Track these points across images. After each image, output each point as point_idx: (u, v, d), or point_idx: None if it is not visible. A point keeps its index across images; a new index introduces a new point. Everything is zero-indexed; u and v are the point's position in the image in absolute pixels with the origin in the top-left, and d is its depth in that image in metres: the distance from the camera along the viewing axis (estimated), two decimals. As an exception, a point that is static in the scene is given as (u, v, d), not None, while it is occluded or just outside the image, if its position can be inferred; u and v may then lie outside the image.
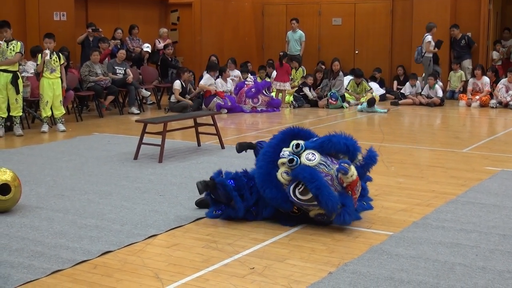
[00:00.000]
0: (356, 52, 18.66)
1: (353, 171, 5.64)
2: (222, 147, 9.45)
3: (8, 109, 10.91)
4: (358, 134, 11.69)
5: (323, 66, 17.03)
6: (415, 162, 8.64)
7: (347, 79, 15.71)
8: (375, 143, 10.01)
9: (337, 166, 5.64)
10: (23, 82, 11.29)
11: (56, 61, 11.31)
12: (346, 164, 5.63)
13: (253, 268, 4.78)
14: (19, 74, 11.00)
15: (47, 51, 11.19)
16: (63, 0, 14.71)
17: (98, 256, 5.03)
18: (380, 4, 18.30)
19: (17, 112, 10.97)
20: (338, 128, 12.16)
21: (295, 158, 5.66)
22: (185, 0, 18.19)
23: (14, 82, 10.75)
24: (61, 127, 11.43)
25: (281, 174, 5.71)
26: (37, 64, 11.50)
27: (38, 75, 11.52)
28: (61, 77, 11.44)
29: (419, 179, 7.66)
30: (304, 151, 5.73)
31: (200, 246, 5.28)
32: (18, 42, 10.88)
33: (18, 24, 13.84)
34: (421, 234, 5.50)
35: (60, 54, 11.55)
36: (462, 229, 5.64)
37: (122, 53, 14.19)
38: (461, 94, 15.85)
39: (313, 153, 5.71)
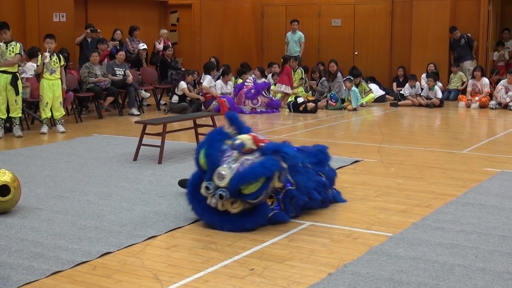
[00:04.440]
0: (356, 53, 18.67)
1: (246, 140, 5.78)
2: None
3: (8, 110, 10.90)
4: (357, 135, 11.72)
5: (321, 67, 17.03)
6: (414, 163, 8.64)
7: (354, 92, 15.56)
8: (375, 144, 10.03)
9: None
10: (22, 83, 11.29)
11: (56, 62, 11.31)
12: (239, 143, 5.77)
13: (253, 269, 4.78)
14: (18, 75, 11.00)
15: (47, 53, 11.18)
16: (62, 1, 14.71)
17: (98, 257, 5.03)
18: (380, 5, 18.31)
19: (16, 113, 10.97)
20: (338, 129, 12.19)
21: (209, 186, 5.68)
22: (184, 1, 18.19)
23: (13, 83, 10.75)
24: (60, 128, 11.43)
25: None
26: (37, 65, 11.50)
27: (38, 76, 11.53)
28: (61, 78, 11.44)
29: (418, 180, 7.66)
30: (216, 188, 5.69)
31: (200, 247, 5.28)
32: (18, 43, 10.88)
33: (18, 25, 13.84)
34: (421, 235, 5.50)
35: (60, 55, 11.54)
36: (461, 230, 5.64)
37: (121, 54, 14.19)
38: (460, 95, 15.86)
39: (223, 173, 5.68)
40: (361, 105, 15.15)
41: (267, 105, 14.31)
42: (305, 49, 17.75)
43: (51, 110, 11.35)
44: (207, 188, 5.69)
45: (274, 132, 11.36)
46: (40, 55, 11.39)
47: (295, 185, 5.99)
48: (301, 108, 14.21)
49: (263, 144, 5.83)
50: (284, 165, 5.74)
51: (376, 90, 16.12)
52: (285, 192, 5.92)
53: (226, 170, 5.64)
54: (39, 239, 5.43)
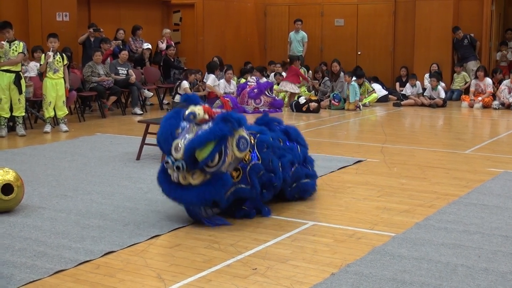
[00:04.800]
0: (359, 53, 18.66)
1: (196, 109, 5.81)
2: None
3: (11, 109, 10.92)
4: (360, 135, 11.72)
5: (324, 68, 17.02)
6: (417, 163, 8.64)
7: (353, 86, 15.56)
8: (378, 144, 10.03)
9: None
10: (26, 82, 11.31)
11: (60, 62, 11.32)
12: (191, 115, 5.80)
13: (256, 268, 4.78)
14: (21, 74, 11.02)
15: (50, 52, 11.19)
16: (65, 0, 14.72)
17: (101, 256, 5.03)
18: (382, 5, 18.30)
19: (19, 112, 10.98)
20: (341, 129, 12.19)
21: (168, 160, 5.74)
22: (187, 1, 18.20)
23: (17, 82, 10.76)
24: (63, 127, 11.44)
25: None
26: (40, 65, 11.51)
27: (41, 75, 11.54)
28: (64, 78, 11.45)
29: (421, 180, 7.66)
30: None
31: (203, 247, 5.28)
32: (21, 43, 10.90)
33: (21, 24, 13.85)
34: (424, 235, 5.50)
35: (63, 54, 11.56)
36: (464, 231, 5.64)
37: (124, 53, 14.20)
38: (463, 96, 15.84)
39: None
40: (364, 105, 15.14)
41: (270, 105, 14.31)
42: (308, 49, 17.75)
43: (54, 109, 11.37)
44: (166, 162, 5.74)
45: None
46: (43, 55, 11.41)
47: (262, 160, 6.02)
48: (304, 108, 14.21)
49: (215, 115, 5.88)
50: (243, 133, 5.81)
51: (379, 90, 16.12)
52: (251, 166, 5.94)
53: (181, 142, 5.72)
54: (42, 238, 5.44)
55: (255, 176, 5.94)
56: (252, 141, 6.02)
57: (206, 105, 6.00)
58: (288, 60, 15.94)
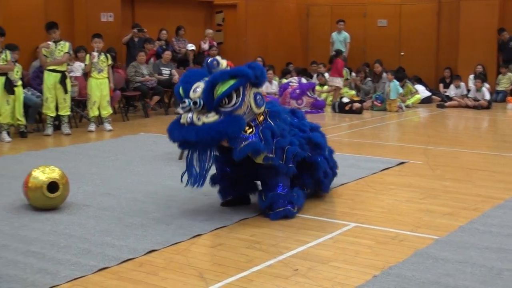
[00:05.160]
0: (402, 54, 18.48)
1: (220, 60, 5.99)
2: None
3: (57, 109, 11.10)
4: (403, 136, 11.63)
5: (366, 69, 16.92)
6: (461, 165, 8.53)
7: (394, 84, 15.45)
8: (420, 146, 9.93)
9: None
10: (71, 82, 11.48)
11: (104, 62, 11.48)
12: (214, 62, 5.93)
13: (297, 269, 4.78)
14: (67, 74, 11.19)
15: (95, 53, 11.35)
16: (110, 1, 14.91)
17: (144, 255, 5.08)
18: (426, 5, 18.10)
19: (65, 111, 11.16)
20: (383, 130, 12.10)
21: (186, 100, 5.81)
22: (230, 1, 18.26)
23: (62, 82, 10.94)
24: (108, 126, 11.59)
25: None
26: (85, 65, 11.68)
27: (86, 75, 11.71)
28: (108, 78, 11.60)
29: (465, 182, 7.56)
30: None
31: (244, 247, 5.30)
32: (66, 43, 11.07)
33: (66, 25, 14.05)
34: (468, 239, 5.43)
35: (107, 54, 11.71)
36: (510, 234, 5.54)
37: (168, 54, 14.32)
38: (509, 97, 15.59)
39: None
40: (407, 106, 15.03)
41: (311, 106, 14.29)
42: (351, 50, 17.65)
43: (98, 108, 11.53)
44: (183, 102, 5.81)
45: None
46: (88, 55, 11.57)
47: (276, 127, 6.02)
48: (347, 108, 14.15)
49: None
50: (260, 91, 5.97)
51: (422, 91, 15.98)
52: (264, 125, 5.94)
53: (201, 84, 5.80)
54: (86, 236, 5.52)
55: (269, 135, 5.90)
56: (266, 111, 6.08)
57: (229, 61, 6.13)
58: (334, 53, 15.82)
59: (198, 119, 5.74)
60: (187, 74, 6.12)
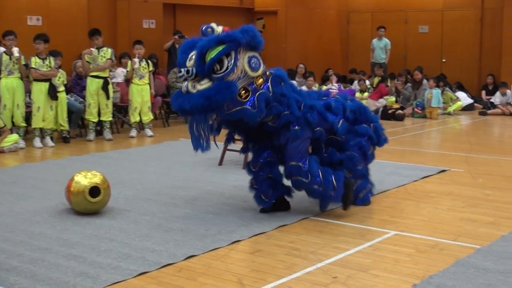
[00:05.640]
0: (443, 60, 18.30)
1: (214, 26, 5.89)
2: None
3: (99, 114, 11.25)
4: (444, 144, 11.50)
5: (409, 76, 16.78)
6: (503, 173, 8.41)
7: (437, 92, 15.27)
8: (462, 154, 9.82)
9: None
10: (113, 88, 11.63)
11: (145, 68, 11.60)
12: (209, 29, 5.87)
13: (336, 277, 4.76)
14: (109, 80, 11.34)
15: (136, 59, 11.48)
16: (152, 8, 15.08)
17: (183, 260, 5.11)
18: (469, 11, 17.90)
19: (107, 117, 11.30)
20: (424, 137, 11.99)
21: (182, 70, 5.81)
22: (270, 8, 18.31)
23: (104, 87, 11.09)
24: (148, 132, 11.70)
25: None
26: (127, 71, 11.83)
27: (128, 81, 11.85)
28: (149, 84, 11.72)
29: (507, 191, 7.45)
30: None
31: (283, 253, 5.30)
32: (109, 49, 11.22)
33: (109, 31, 14.27)
34: (510, 249, 5.34)
35: (148, 61, 11.83)
36: (553, 245, 5.45)
37: (208, 60, 14.38)
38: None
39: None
40: (449, 114, 14.87)
41: (351, 112, 14.21)
42: (391, 56, 17.53)
43: (139, 114, 11.65)
44: (179, 71, 5.82)
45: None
46: (130, 61, 11.71)
47: (272, 93, 5.95)
48: (390, 111, 14.10)
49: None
50: (257, 55, 5.89)
51: (464, 98, 15.79)
52: (262, 93, 5.87)
53: (194, 52, 5.79)
54: (126, 240, 5.57)
55: (263, 102, 5.85)
56: (268, 74, 6.02)
57: (226, 27, 6.04)
58: (380, 78, 15.76)
59: (193, 87, 5.74)
60: (185, 44, 6.06)
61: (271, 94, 5.93)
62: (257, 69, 5.88)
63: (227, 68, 5.69)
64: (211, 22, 5.98)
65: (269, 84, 5.96)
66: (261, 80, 5.91)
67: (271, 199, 6.42)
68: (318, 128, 6.22)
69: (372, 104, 14.81)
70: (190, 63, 5.80)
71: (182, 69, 5.79)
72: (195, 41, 5.96)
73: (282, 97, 6.01)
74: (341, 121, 6.40)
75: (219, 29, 5.91)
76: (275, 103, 5.96)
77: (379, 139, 6.79)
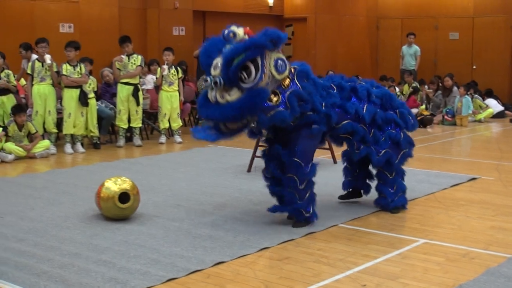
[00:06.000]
0: (474, 67, 18.15)
1: (237, 30, 5.85)
2: (334, 162, 9.40)
3: (129, 121, 11.34)
4: (474, 151, 11.39)
5: (439, 81, 16.66)
6: (535, 182, 8.30)
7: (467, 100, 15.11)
8: (493, 161, 9.71)
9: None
10: (143, 94, 11.72)
11: (174, 75, 11.67)
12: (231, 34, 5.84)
13: (365, 285, 4.74)
14: (139, 87, 11.42)
15: (165, 66, 11.56)
16: (182, 15, 15.19)
17: (212, 266, 5.12)
18: (500, 18, 17.73)
19: (137, 123, 11.39)
20: (454, 145, 11.88)
21: (208, 78, 5.78)
22: (300, 15, 18.33)
23: (135, 94, 11.17)
24: (178, 138, 11.76)
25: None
26: (156, 78, 11.92)
27: (157, 88, 11.93)
28: (178, 90, 11.79)
29: (540, 200, 7.35)
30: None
31: (311, 261, 5.28)
32: (139, 56, 11.31)
33: (139, 38, 14.40)
34: (542, 258, 5.28)
35: (178, 68, 11.90)
36: None
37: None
38: None
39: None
40: (479, 121, 14.74)
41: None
42: (421, 63, 17.43)
43: (169, 121, 11.71)
44: (206, 80, 5.78)
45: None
46: (159, 68, 11.80)
47: (302, 88, 5.94)
48: (419, 118, 14.04)
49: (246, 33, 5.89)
50: (281, 55, 5.85)
51: (494, 106, 15.62)
52: (291, 92, 5.86)
53: (220, 60, 5.74)
54: (155, 246, 5.60)
55: (295, 101, 5.84)
56: (292, 70, 5.99)
57: (247, 28, 6.00)
58: (412, 89, 15.67)
59: (222, 97, 5.72)
60: (206, 47, 5.99)
61: (301, 90, 5.94)
62: (283, 71, 5.86)
63: (255, 77, 5.66)
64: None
65: (296, 81, 5.96)
66: (288, 80, 5.92)
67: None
68: (344, 122, 6.24)
69: None
70: (215, 72, 5.76)
71: (209, 78, 5.77)
72: (217, 43, 5.93)
73: (308, 95, 6.00)
74: (365, 106, 6.44)
75: (240, 32, 5.86)
76: (302, 102, 5.92)
77: (407, 124, 6.74)
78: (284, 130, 6.11)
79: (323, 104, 6.10)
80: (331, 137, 6.59)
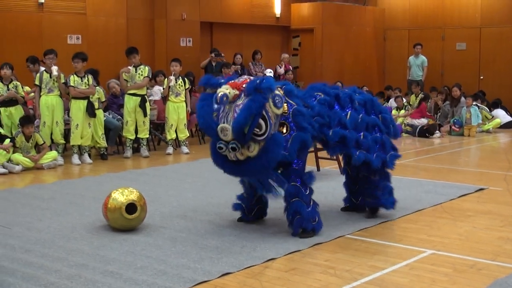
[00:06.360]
0: (481, 77, 18.12)
1: (225, 90, 5.85)
2: (341, 172, 9.36)
3: (136, 132, 11.36)
4: (482, 162, 11.36)
5: (448, 91, 16.62)
6: (543, 192, 8.27)
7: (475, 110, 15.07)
8: (501, 172, 9.69)
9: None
10: (150, 105, 11.74)
11: (181, 86, 11.70)
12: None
13: (372, 296, 4.73)
14: (146, 98, 11.45)
15: (172, 77, 11.59)
16: (189, 26, 15.25)
17: (218, 277, 5.12)
18: (508, 28, 17.71)
19: (144, 134, 11.40)
20: (462, 155, 11.85)
21: (221, 145, 5.93)
22: (307, 26, 18.36)
23: (142, 105, 11.19)
24: (185, 149, 11.77)
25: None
26: (163, 88, 11.95)
27: (164, 99, 11.96)
28: (185, 101, 11.81)
29: (548, 210, 7.32)
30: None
31: (318, 272, 5.27)
32: (146, 67, 11.33)
33: (147, 49, 14.46)
34: (550, 269, 5.25)
35: (185, 78, 11.93)
36: None
37: (243, 78, 14.46)
38: None
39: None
40: (487, 131, 14.70)
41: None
42: (428, 73, 17.41)
43: (176, 131, 11.73)
44: (220, 148, 5.93)
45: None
46: (166, 79, 11.83)
47: (297, 105, 6.14)
48: (425, 127, 14.05)
49: (244, 86, 5.92)
50: (275, 91, 5.92)
51: (502, 116, 15.58)
52: (292, 112, 6.06)
53: (226, 125, 5.84)
54: (162, 257, 5.60)
55: (302, 120, 6.06)
56: (281, 91, 6.12)
57: (230, 81, 6.05)
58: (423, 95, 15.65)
59: (242, 154, 5.92)
60: (202, 115, 6.10)
61: (299, 106, 6.16)
62: (282, 104, 6.01)
63: (265, 131, 5.82)
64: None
65: (290, 101, 6.14)
66: (284, 105, 6.08)
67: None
68: (330, 131, 6.34)
69: (410, 121, 14.72)
70: (227, 137, 5.85)
71: (222, 145, 5.90)
72: (210, 109, 6.03)
73: (307, 109, 6.24)
74: (349, 113, 6.56)
75: (230, 91, 5.86)
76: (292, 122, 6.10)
77: (389, 130, 6.85)
78: None
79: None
80: (326, 147, 6.58)
